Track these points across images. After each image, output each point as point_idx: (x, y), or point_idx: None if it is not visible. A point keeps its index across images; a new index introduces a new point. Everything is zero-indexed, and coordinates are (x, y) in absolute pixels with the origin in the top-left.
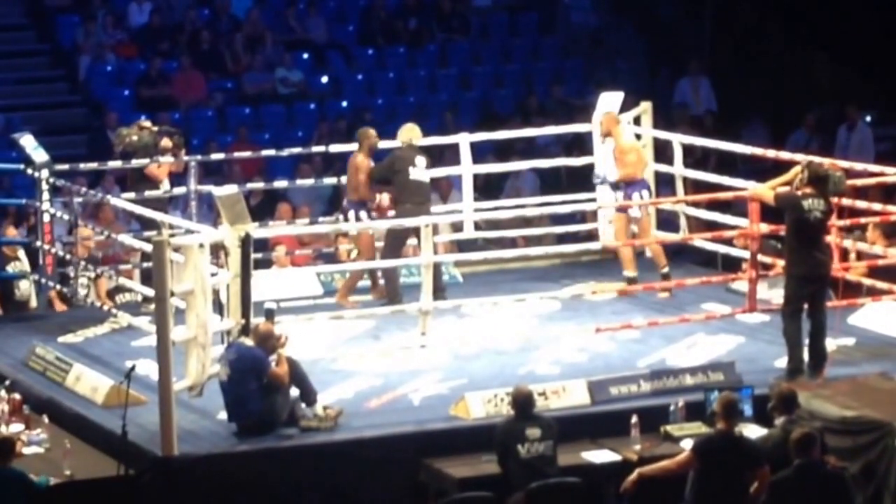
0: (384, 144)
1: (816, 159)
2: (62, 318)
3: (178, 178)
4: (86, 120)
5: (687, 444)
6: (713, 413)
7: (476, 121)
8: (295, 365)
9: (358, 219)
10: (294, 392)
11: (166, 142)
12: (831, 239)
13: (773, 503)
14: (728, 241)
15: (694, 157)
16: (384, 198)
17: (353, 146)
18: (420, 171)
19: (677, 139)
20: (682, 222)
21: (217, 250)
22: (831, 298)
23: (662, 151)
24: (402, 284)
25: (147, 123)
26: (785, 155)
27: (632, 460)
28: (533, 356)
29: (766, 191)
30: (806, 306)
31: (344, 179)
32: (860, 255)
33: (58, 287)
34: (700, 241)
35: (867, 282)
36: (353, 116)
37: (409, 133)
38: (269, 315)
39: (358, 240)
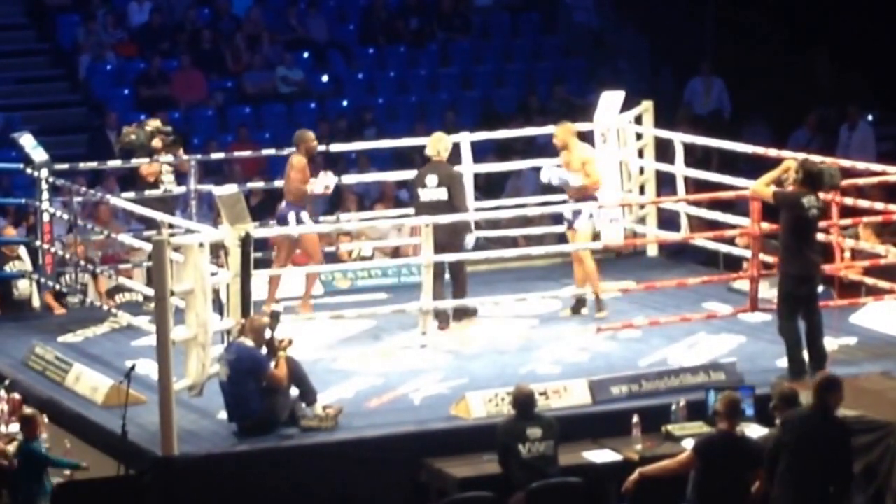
0: (384, 144)
1: (810, 158)
2: (62, 318)
3: (178, 177)
4: (86, 119)
5: (688, 444)
6: (715, 412)
7: (477, 120)
8: (295, 365)
9: (299, 221)
10: (294, 392)
11: (156, 141)
12: (832, 238)
13: (780, 444)
14: (729, 241)
15: (695, 157)
16: (316, 184)
17: (355, 146)
18: (430, 192)
19: (678, 138)
20: (684, 221)
21: (217, 250)
22: (832, 297)
23: (664, 151)
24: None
25: (153, 122)
26: (787, 154)
27: (633, 460)
28: (534, 356)
29: (764, 189)
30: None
31: (345, 179)
32: (854, 254)
33: (56, 287)
34: (701, 240)
35: (869, 281)
36: (354, 116)
37: (434, 145)
38: (276, 317)
39: (303, 243)
